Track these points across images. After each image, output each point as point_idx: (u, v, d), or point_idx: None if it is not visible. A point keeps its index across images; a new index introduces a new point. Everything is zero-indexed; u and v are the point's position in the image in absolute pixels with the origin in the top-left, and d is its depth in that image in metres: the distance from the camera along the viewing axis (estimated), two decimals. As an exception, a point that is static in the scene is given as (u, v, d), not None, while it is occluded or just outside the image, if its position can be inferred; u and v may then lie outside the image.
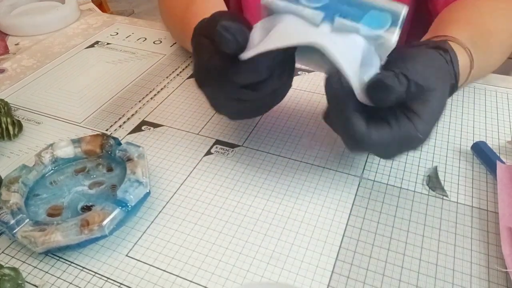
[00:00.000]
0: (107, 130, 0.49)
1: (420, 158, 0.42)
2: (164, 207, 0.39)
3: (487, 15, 0.47)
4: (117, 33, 0.70)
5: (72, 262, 0.35)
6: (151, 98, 0.53)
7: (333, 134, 0.45)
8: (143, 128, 0.49)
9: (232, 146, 0.45)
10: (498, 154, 0.41)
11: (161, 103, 0.52)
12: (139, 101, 0.53)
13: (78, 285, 0.33)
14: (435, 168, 0.41)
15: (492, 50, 0.47)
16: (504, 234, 0.34)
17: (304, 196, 0.39)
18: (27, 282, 0.33)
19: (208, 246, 0.35)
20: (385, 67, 0.33)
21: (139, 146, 0.40)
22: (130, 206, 0.35)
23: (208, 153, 0.44)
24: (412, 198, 0.38)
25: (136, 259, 0.34)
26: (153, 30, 0.71)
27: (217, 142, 0.46)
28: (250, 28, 0.35)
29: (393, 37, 0.32)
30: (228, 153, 0.44)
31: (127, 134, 0.48)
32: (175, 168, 0.43)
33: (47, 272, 0.34)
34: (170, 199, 0.39)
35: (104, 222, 0.33)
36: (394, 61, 0.33)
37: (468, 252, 0.34)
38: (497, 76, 0.53)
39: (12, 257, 0.35)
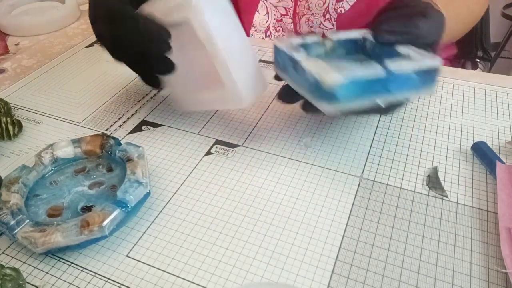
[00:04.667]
0: (107, 129, 0.49)
1: (420, 158, 0.42)
2: (164, 207, 0.39)
3: None
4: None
5: (72, 263, 0.35)
6: (151, 98, 0.53)
7: (333, 134, 0.46)
8: (143, 128, 0.49)
9: (232, 146, 0.45)
10: (498, 154, 0.41)
11: (161, 102, 0.52)
12: (139, 101, 0.53)
13: (78, 286, 0.33)
14: (435, 168, 0.41)
15: (456, 18, 0.53)
16: (503, 234, 0.34)
17: (304, 196, 0.39)
18: (27, 282, 0.33)
19: (208, 247, 0.35)
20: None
21: (139, 146, 0.40)
22: (130, 207, 0.35)
23: (208, 153, 0.44)
24: (412, 198, 0.38)
25: (136, 260, 0.34)
26: (153, 30, 0.71)
27: (217, 142, 0.46)
28: None
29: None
30: (228, 153, 0.44)
31: (127, 134, 0.48)
32: (175, 168, 0.43)
33: (47, 273, 0.34)
34: (170, 199, 0.40)
35: (104, 223, 0.33)
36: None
37: (468, 252, 0.34)
38: (497, 76, 0.53)
39: (13, 257, 0.35)
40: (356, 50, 0.41)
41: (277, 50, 0.39)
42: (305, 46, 0.39)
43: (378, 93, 0.33)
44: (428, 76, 0.34)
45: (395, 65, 0.33)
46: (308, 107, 0.37)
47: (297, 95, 0.37)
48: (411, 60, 0.34)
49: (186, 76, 0.44)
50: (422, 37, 0.36)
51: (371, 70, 0.32)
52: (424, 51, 0.35)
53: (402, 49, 0.36)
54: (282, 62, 0.38)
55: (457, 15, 0.55)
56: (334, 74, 0.31)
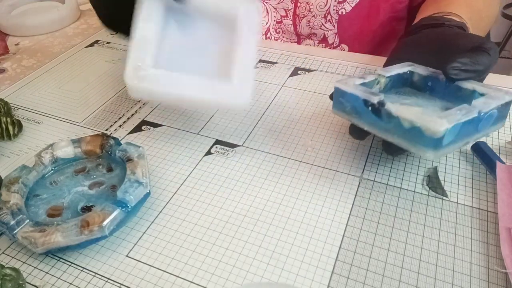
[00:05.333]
0: (107, 130, 0.49)
1: (420, 158, 0.42)
2: (164, 207, 0.39)
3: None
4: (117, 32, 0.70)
5: (72, 263, 0.35)
6: (151, 98, 0.53)
7: (333, 134, 0.46)
8: (143, 128, 0.49)
9: (232, 146, 0.45)
10: (498, 154, 0.41)
11: (161, 102, 0.52)
12: (139, 101, 0.53)
13: (78, 286, 0.33)
14: (435, 168, 0.41)
15: (479, 31, 0.54)
16: (503, 234, 0.34)
17: (304, 197, 0.39)
18: (27, 282, 0.33)
19: (208, 247, 0.35)
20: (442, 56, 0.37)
21: (139, 146, 0.40)
22: (130, 207, 0.35)
23: (208, 153, 0.44)
24: (412, 198, 0.38)
25: (136, 260, 0.34)
26: (153, 30, 0.71)
27: (217, 142, 0.46)
28: None
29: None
30: (228, 153, 0.44)
31: (127, 134, 0.48)
32: (175, 168, 0.43)
33: (47, 273, 0.34)
34: (170, 199, 0.40)
35: (104, 223, 0.33)
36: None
37: (468, 252, 0.34)
38: (497, 76, 0.53)
39: (13, 257, 0.35)
40: (402, 84, 0.41)
41: (341, 92, 0.37)
42: (364, 85, 0.38)
43: (469, 134, 0.33)
44: (503, 111, 0.35)
45: (483, 105, 0.33)
46: (390, 149, 0.38)
47: (367, 132, 0.37)
48: (489, 97, 0.34)
49: (194, 61, 0.44)
50: (484, 72, 0.37)
51: (469, 112, 0.32)
52: (487, 85, 0.36)
53: (465, 84, 0.36)
54: (350, 105, 0.37)
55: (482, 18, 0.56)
56: (439, 121, 0.31)
